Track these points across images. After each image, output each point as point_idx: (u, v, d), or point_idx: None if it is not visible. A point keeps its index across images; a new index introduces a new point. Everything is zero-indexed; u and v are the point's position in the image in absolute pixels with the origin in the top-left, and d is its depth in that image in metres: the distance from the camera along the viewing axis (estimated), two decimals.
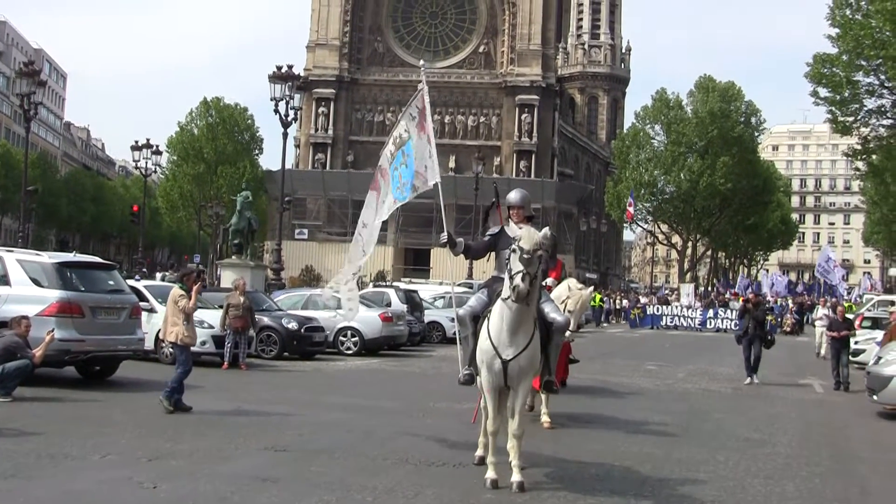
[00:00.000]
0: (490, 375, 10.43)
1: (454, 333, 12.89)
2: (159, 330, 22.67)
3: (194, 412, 15.13)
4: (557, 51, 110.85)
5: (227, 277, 40.75)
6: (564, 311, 14.34)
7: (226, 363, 22.74)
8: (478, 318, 11.01)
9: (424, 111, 12.79)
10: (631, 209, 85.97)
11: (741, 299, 27.25)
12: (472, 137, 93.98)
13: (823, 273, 69.11)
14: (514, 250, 10.17)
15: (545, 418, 14.84)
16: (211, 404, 16.39)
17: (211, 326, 23.01)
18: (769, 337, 25.27)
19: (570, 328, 14.44)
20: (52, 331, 16.43)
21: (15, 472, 10.26)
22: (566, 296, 15.27)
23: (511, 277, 10.10)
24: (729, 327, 57.06)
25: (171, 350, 22.45)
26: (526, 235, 10.19)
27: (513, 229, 10.57)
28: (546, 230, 10.66)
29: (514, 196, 11.75)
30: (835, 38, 49.34)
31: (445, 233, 11.54)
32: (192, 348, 21.93)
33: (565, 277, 16.62)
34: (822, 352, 31.78)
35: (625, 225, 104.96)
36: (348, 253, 14.62)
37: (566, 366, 17.43)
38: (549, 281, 14.72)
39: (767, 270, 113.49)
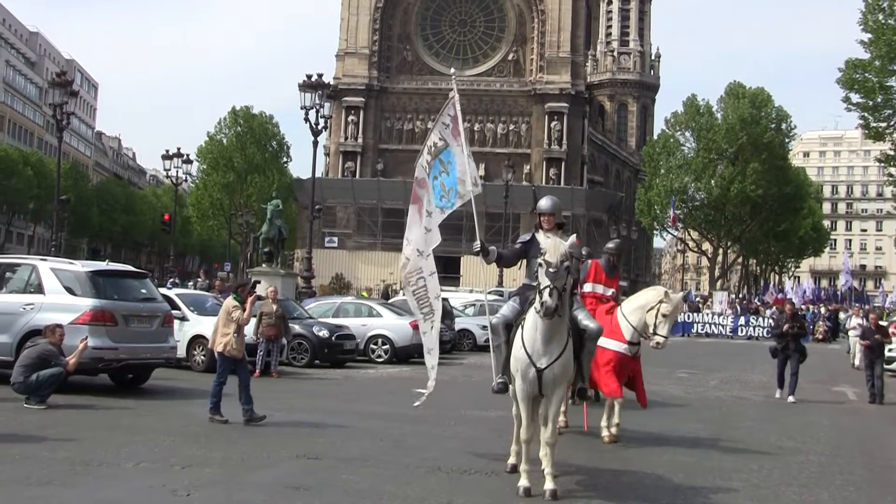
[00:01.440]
0: (524, 384, 10.42)
1: (485, 341, 12.90)
2: (191, 338, 22.95)
3: (227, 421, 15.17)
4: (587, 58, 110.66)
5: (258, 286, 40.86)
6: (658, 316, 14.19)
7: (258, 371, 22.62)
8: (510, 326, 11.01)
9: (457, 118, 12.74)
10: (673, 212, 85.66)
11: (786, 306, 25.47)
12: (501, 145, 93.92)
13: (847, 280, 68.77)
14: (540, 264, 10.17)
15: (608, 431, 14.34)
16: (242, 412, 16.43)
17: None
18: (805, 352, 23.43)
19: (663, 334, 14.21)
20: (86, 339, 16.54)
21: (49, 478, 10.31)
22: (657, 300, 14.47)
23: (539, 293, 10.11)
24: (761, 335, 56.86)
25: (202, 358, 22.68)
26: (551, 248, 10.17)
27: (542, 239, 10.53)
28: (572, 239, 10.61)
29: (544, 203, 11.72)
30: (867, 43, 49.04)
31: (479, 241, 11.54)
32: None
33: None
34: (857, 362, 30.86)
35: (655, 232, 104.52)
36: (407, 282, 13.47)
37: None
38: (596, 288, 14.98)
39: (798, 278, 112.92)
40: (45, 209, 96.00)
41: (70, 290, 17.84)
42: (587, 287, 15.17)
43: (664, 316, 14.23)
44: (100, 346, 17.16)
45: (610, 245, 16.15)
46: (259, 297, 17.20)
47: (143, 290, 19.43)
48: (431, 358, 13.34)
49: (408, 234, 13.04)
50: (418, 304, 12.97)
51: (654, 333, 14.24)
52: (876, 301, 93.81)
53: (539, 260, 10.21)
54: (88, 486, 10.17)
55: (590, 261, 15.54)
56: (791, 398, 21.74)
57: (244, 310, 15.24)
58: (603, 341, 13.52)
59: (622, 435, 14.28)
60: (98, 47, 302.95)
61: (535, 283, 10.46)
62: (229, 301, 15.47)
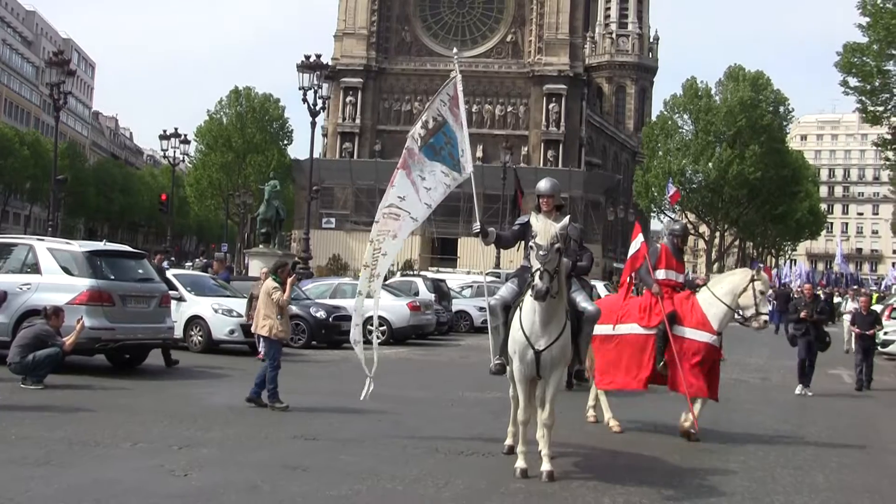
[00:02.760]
0: (522, 366, 10.43)
1: (482, 323, 12.83)
2: (188, 318, 22.93)
3: (223, 401, 15.20)
4: (585, 40, 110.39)
5: (255, 266, 40.91)
6: (758, 295, 13.71)
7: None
8: (508, 307, 11.00)
9: (456, 99, 12.71)
10: (672, 191, 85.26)
11: (806, 289, 23.81)
12: (499, 127, 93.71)
13: (844, 267, 68.65)
14: (531, 247, 10.16)
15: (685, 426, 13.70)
16: (239, 393, 16.45)
17: (240, 315, 22.90)
18: (826, 339, 21.62)
19: (765, 312, 13.76)
20: (82, 319, 16.53)
21: (47, 459, 10.33)
22: (747, 281, 13.85)
23: (531, 276, 10.12)
24: None
25: (199, 338, 22.61)
26: (542, 230, 10.14)
27: (534, 221, 10.47)
28: (564, 221, 10.57)
29: (543, 185, 11.65)
30: (865, 27, 48.92)
31: (478, 222, 11.51)
32: (221, 336, 22.20)
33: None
34: (851, 347, 29.68)
35: (653, 214, 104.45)
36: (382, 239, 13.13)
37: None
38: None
39: (795, 261, 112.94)
40: (41, 189, 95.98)
41: (67, 271, 17.83)
42: (660, 274, 14.11)
43: (762, 293, 13.82)
44: (97, 326, 17.16)
45: (676, 227, 15.28)
46: (298, 279, 16.96)
47: (141, 271, 19.42)
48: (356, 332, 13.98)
49: (391, 197, 12.89)
50: (371, 257, 12.92)
51: (759, 314, 13.76)
52: (871, 285, 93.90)
53: (530, 243, 10.21)
54: (86, 467, 10.18)
55: (659, 245, 14.76)
56: (801, 389, 20.77)
57: (284, 290, 14.98)
58: (691, 333, 13.43)
59: (620, 415, 14.23)
60: (96, 27, 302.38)
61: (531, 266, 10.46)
62: (269, 283, 15.20)
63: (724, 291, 13.84)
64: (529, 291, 10.16)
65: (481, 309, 32.47)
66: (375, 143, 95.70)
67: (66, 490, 9.15)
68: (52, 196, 54.02)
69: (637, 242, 14.34)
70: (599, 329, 12.94)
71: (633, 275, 14.82)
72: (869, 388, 22.25)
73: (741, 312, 13.85)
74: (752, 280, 13.84)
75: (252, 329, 15.91)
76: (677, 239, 14.67)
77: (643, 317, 13.72)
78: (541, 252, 9.97)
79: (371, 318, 13.69)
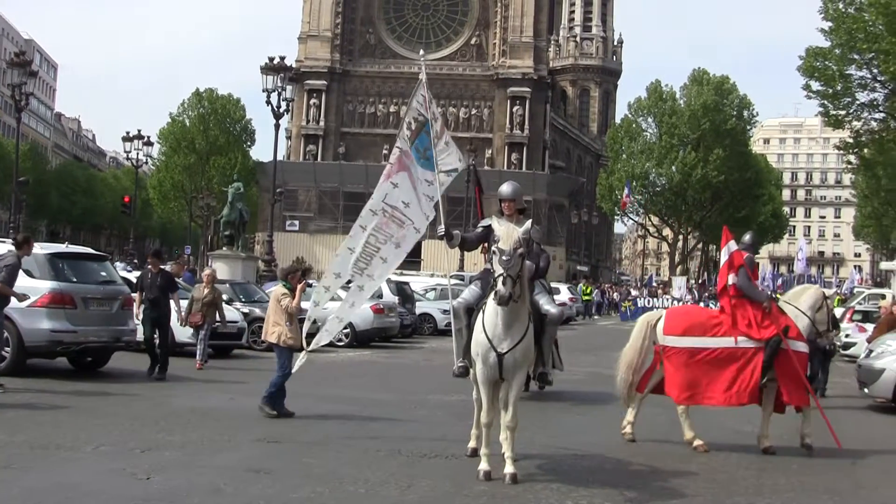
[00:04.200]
0: (485, 368, 10.44)
1: (446, 325, 12.77)
2: None
3: (186, 404, 15.13)
4: (549, 43, 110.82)
5: (219, 269, 40.74)
6: (828, 312, 13.80)
7: (199, 362, 20.82)
8: (472, 310, 11.03)
9: (427, 101, 12.71)
10: (627, 198, 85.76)
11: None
12: (463, 129, 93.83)
13: (805, 270, 68.99)
14: (493, 252, 10.17)
15: (766, 442, 13.45)
16: (203, 396, 16.42)
17: None
18: (831, 346, 19.90)
19: (836, 330, 13.73)
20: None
21: (8, 463, 10.26)
22: (822, 298, 13.75)
23: (493, 281, 10.13)
24: None
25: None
26: (504, 235, 10.13)
27: (496, 226, 10.46)
28: (527, 225, 10.61)
29: (505, 189, 11.66)
30: (827, 31, 49.29)
31: (443, 225, 11.52)
32: (184, 339, 22.06)
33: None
34: None
35: (616, 217, 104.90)
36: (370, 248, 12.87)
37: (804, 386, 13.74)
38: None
39: (758, 264, 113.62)
40: (3, 191, 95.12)
41: (29, 273, 17.61)
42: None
43: (830, 311, 13.97)
44: (59, 328, 17.07)
45: (746, 238, 14.95)
46: (309, 284, 16.51)
47: (103, 273, 19.31)
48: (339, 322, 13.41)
49: (394, 199, 12.70)
50: (361, 256, 12.74)
51: (829, 330, 13.99)
52: (833, 288, 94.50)
53: (493, 248, 10.22)
54: (48, 470, 10.11)
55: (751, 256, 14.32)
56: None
57: (293, 297, 14.70)
58: (796, 345, 13.19)
59: (584, 417, 14.26)
60: (58, 27, 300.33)
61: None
62: (278, 289, 14.94)
63: (806, 306, 13.73)
64: (492, 296, 10.18)
65: (445, 311, 32.50)
66: (339, 145, 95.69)
67: (28, 493, 9.09)
68: (13, 198, 53.65)
69: (728, 250, 13.75)
70: (685, 342, 13.02)
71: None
72: (824, 395, 22.08)
73: (817, 328, 13.81)
74: (825, 298, 13.90)
75: (262, 336, 15.47)
76: (751, 250, 14.47)
77: (751, 329, 13.14)
78: (503, 257, 9.97)
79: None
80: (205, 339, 21.16)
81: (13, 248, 16.12)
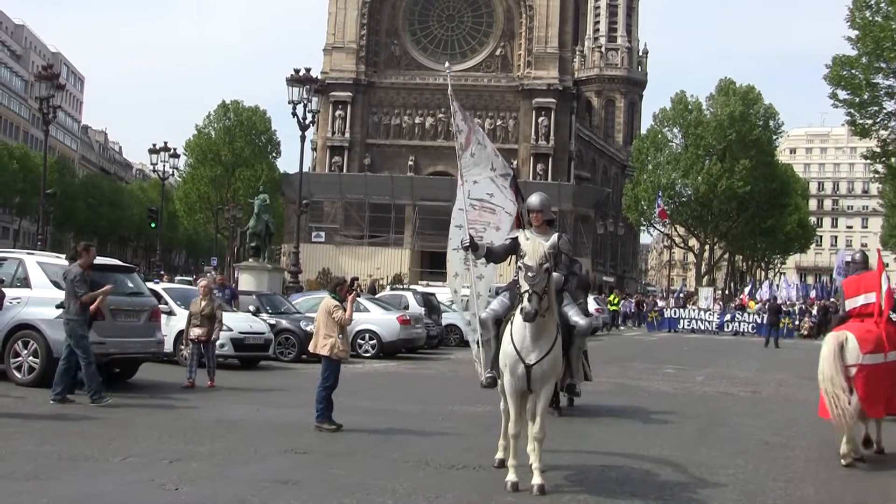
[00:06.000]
0: (513, 379, 10.41)
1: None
2: (178, 332, 22.81)
3: (214, 415, 15.16)
4: (574, 54, 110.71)
5: (245, 280, 40.88)
6: None
7: (189, 381, 19.13)
8: (500, 321, 11.01)
9: (454, 114, 12.75)
10: (661, 208, 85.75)
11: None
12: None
13: (840, 276, 68.51)
14: (519, 268, 10.16)
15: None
16: (229, 407, 16.44)
17: (230, 329, 22.82)
18: None
19: None
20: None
21: (36, 473, 10.28)
22: None
23: (520, 297, 10.12)
24: (746, 330, 57.06)
25: (189, 352, 22.39)
26: (531, 251, 10.13)
27: (522, 240, 10.44)
28: (553, 238, 10.61)
29: (533, 200, 11.68)
30: (854, 40, 49.22)
31: (468, 236, 11.50)
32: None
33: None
34: None
35: (642, 227, 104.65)
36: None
37: None
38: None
39: (784, 274, 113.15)
40: (30, 203, 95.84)
41: (57, 285, 17.74)
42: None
43: None
44: None
45: (858, 256, 15.48)
46: (357, 295, 16.10)
47: (131, 284, 19.38)
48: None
49: (477, 193, 12.65)
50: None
51: None
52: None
53: (519, 263, 10.20)
54: (76, 481, 10.14)
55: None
56: None
57: (345, 309, 14.45)
58: None
59: (611, 428, 14.21)
60: (85, 41, 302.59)
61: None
62: (328, 301, 14.63)
63: None
64: (518, 310, 10.16)
65: (468, 323, 32.48)
66: (365, 156, 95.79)
67: None
68: (41, 210, 53.86)
69: (885, 279, 13.82)
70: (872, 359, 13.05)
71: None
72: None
73: None
74: None
75: (310, 348, 15.05)
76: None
77: None
78: (529, 273, 9.96)
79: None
80: (211, 354, 20.03)
81: (70, 261, 16.44)
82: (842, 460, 12.87)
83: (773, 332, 47.54)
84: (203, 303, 20.13)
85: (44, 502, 9.14)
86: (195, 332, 19.76)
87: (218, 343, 21.33)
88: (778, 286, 79.92)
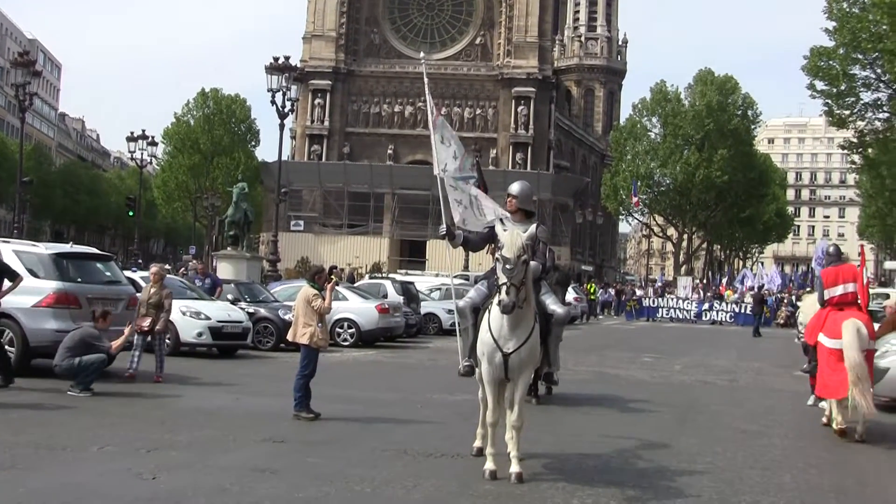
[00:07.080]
0: (491, 368, 10.42)
1: (451, 325, 12.68)
2: None
3: (191, 404, 15.12)
4: (554, 43, 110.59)
5: (223, 269, 40.73)
6: None
7: (129, 371, 17.99)
8: (478, 309, 11.02)
9: (428, 103, 12.77)
10: (636, 198, 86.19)
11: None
12: (468, 129, 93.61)
13: (820, 265, 68.74)
14: (497, 260, 10.15)
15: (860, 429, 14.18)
16: (208, 396, 16.41)
17: (207, 318, 22.78)
18: None
19: None
20: (131, 323, 17.08)
21: (13, 463, 10.25)
22: None
23: (497, 289, 10.13)
24: (724, 319, 57.29)
25: (167, 341, 22.35)
26: (508, 242, 10.11)
27: (500, 231, 10.43)
28: (531, 229, 10.62)
29: (515, 187, 11.78)
30: (832, 31, 49.38)
31: (444, 225, 11.51)
32: (189, 339, 22.06)
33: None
34: None
35: (621, 217, 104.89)
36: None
37: None
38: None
39: (763, 263, 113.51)
40: (7, 191, 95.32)
41: (33, 273, 17.65)
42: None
43: None
44: (63, 328, 17.01)
45: (831, 248, 16.21)
46: (336, 284, 15.96)
47: (108, 273, 19.32)
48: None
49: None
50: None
51: None
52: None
53: (497, 255, 10.20)
54: (53, 471, 10.11)
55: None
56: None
57: (324, 298, 14.35)
58: None
59: (589, 417, 14.24)
60: (62, 27, 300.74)
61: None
62: (307, 290, 14.49)
63: None
64: (496, 302, 10.17)
65: (450, 311, 32.51)
66: (344, 145, 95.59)
67: (33, 494, 9.08)
68: (17, 198, 53.51)
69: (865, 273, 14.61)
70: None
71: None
72: None
73: None
74: None
75: (289, 337, 14.89)
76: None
77: None
78: (507, 266, 9.96)
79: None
80: (160, 345, 18.45)
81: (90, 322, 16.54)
82: (834, 425, 14.09)
83: (758, 321, 47.76)
84: (152, 290, 18.49)
85: (21, 492, 9.11)
86: (140, 322, 18.03)
87: (196, 332, 21.26)
88: (766, 275, 80.00)
